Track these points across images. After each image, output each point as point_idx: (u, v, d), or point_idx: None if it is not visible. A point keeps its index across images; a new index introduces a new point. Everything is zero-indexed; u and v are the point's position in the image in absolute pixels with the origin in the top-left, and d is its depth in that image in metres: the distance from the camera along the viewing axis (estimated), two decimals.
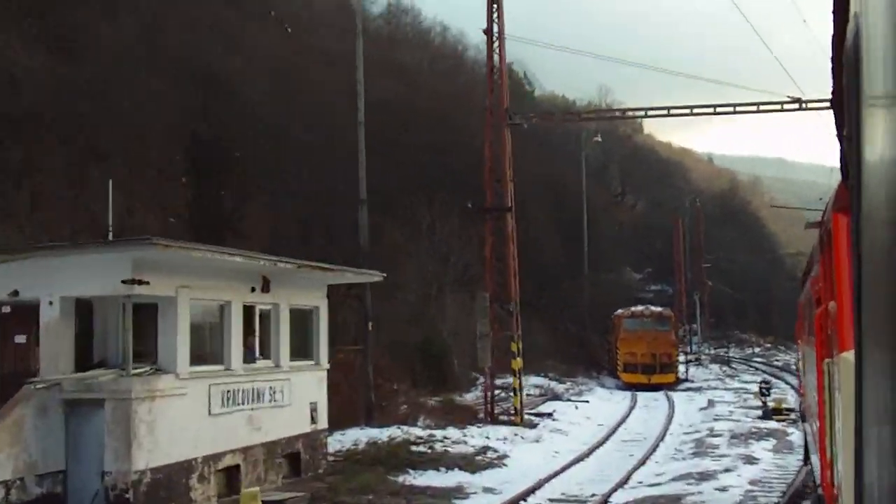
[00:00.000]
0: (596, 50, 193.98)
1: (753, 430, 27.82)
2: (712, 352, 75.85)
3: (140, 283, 15.35)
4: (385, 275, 23.59)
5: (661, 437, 27.58)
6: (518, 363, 30.90)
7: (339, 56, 47.31)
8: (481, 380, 36.83)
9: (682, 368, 53.62)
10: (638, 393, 45.47)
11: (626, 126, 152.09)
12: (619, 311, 50.28)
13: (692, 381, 51.64)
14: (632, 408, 36.60)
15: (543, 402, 36.48)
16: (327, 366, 22.05)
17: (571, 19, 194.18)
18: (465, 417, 29.71)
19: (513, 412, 30.37)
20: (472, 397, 36.89)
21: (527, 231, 59.20)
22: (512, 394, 30.90)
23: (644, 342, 47.12)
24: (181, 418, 16.41)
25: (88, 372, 16.07)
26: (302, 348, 21.16)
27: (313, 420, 21.02)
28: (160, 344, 16.51)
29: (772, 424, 28.87)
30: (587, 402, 36.90)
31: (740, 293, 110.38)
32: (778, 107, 30.69)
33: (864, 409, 1.96)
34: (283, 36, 53.95)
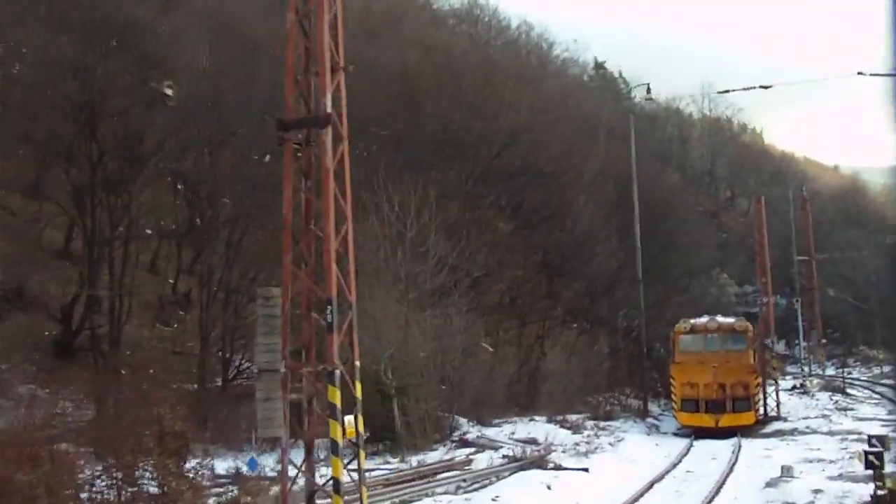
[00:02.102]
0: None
1: None
2: (826, 374, 59.49)
3: None
4: None
5: None
6: (336, 429, 13.53)
7: None
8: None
9: (771, 401, 38.33)
10: (698, 442, 30.83)
11: (735, 126, 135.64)
12: (679, 324, 35.25)
13: (785, 420, 36.39)
14: (656, 481, 22.07)
15: (487, 481, 21.76)
16: None
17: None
18: None
19: None
20: None
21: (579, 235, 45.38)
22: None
23: (709, 369, 32.37)
24: None
25: None
26: None
27: None
28: None
29: None
30: (586, 470, 22.44)
31: (866, 303, 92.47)
32: None
33: None
34: None
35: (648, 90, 41.34)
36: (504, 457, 24.11)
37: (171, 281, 41.92)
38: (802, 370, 68.79)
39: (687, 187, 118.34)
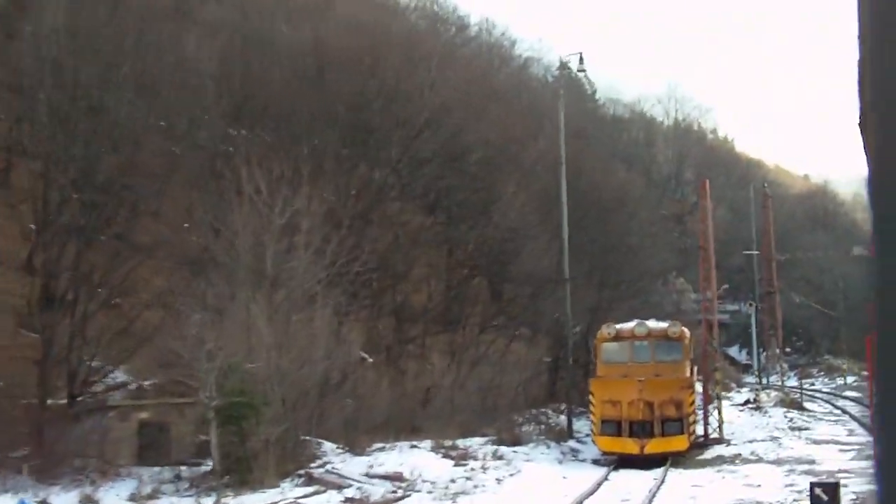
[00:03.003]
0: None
1: None
2: (787, 385, 54.15)
3: None
4: None
5: None
6: None
7: None
8: None
9: (713, 420, 32.70)
10: (616, 474, 25.17)
11: (702, 128, 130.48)
12: (602, 329, 29.35)
13: (728, 443, 30.79)
14: None
15: None
16: None
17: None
18: None
19: None
20: None
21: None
22: None
23: (633, 384, 26.71)
24: None
25: None
26: None
27: None
28: None
29: None
30: None
31: (833, 309, 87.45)
32: None
33: None
34: None
35: (581, 60, 34.72)
36: (346, 500, 18.40)
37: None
38: (760, 381, 63.56)
39: (653, 191, 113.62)
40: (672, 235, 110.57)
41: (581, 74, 34.58)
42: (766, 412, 40.34)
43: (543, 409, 39.80)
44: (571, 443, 31.26)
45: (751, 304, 47.61)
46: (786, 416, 38.12)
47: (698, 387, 32.11)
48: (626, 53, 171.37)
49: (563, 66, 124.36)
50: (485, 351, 38.75)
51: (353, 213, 34.84)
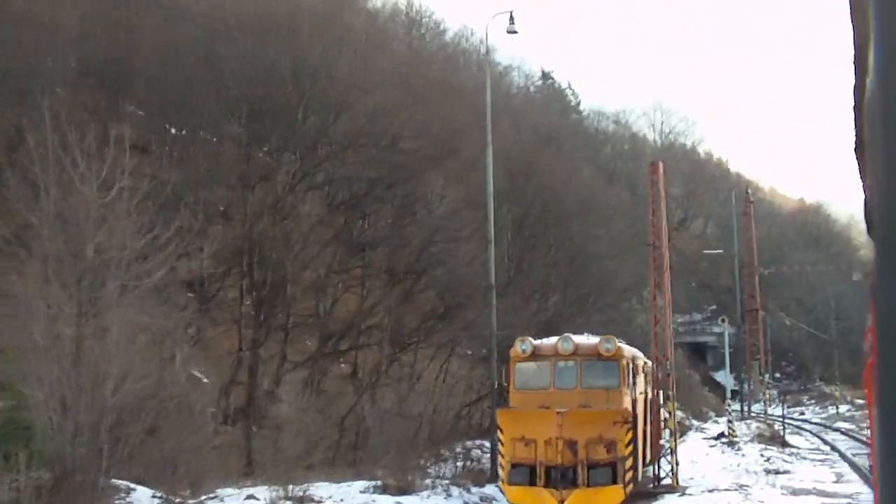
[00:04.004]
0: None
1: None
2: (773, 414, 47.51)
3: None
4: None
5: None
6: None
7: None
8: None
9: (666, 463, 25.98)
10: None
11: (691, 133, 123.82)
12: (516, 344, 22.19)
13: (683, 492, 24.10)
14: None
15: None
16: None
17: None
18: None
19: None
20: None
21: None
22: None
23: (551, 417, 20.03)
24: None
25: None
26: None
27: None
28: None
29: None
30: None
31: (826, 332, 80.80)
32: None
33: None
34: None
35: (511, 20, 28.10)
36: None
37: None
38: (742, 410, 56.88)
39: (639, 207, 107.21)
40: (671, 259, 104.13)
41: (513, 36, 27.83)
42: (739, 449, 33.67)
43: (481, 442, 33.15)
44: (489, 488, 24.54)
45: (723, 320, 40.46)
46: (763, 455, 31.42)
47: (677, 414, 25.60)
48: (614, 69, 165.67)
49: (546, 76, 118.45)
50: (408, 371, 32.26)
51: (249, 204, 28.56)
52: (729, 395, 43.88)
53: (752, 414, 54.17)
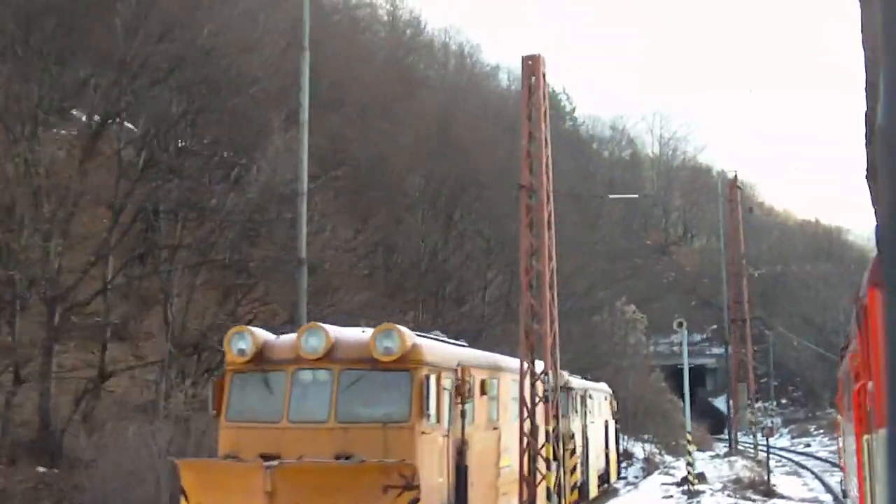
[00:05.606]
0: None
1: None
2: (763, 446, 37.20)
3: None
4: None
5: None
6: None
7: None
8: None
9: None
10: None
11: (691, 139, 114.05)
12: (230, 338, 11.75)
13: None
14: None
15: None
16: None
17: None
18: None
19: None
20: None
21: None
22: None
23: (258, 476, 9.80)
24: None
25: None
26: None
27: None
28: None
29: None
30: None
31: (837, 353, 69.88)
32: None
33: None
34: None
35: None
36: None
37: None
38: (731, 445, 46.64)
39: (637, 219, 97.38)
40: (669, 276, 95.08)
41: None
42: (710, 495, 23.50)
43: None
44: None
45: (680, 324, 30.15)
46: None
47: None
48: (614, 80, 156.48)
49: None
50: None
51: None
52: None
53: (741, 447, 43.89)
